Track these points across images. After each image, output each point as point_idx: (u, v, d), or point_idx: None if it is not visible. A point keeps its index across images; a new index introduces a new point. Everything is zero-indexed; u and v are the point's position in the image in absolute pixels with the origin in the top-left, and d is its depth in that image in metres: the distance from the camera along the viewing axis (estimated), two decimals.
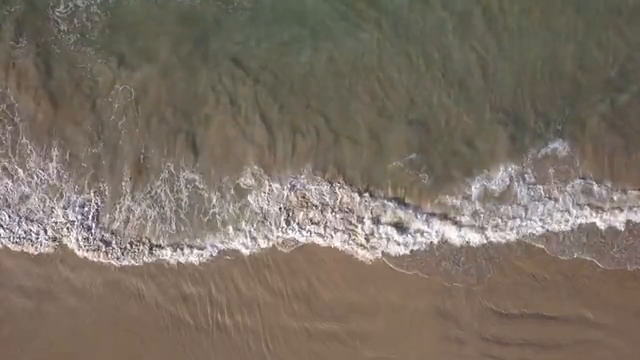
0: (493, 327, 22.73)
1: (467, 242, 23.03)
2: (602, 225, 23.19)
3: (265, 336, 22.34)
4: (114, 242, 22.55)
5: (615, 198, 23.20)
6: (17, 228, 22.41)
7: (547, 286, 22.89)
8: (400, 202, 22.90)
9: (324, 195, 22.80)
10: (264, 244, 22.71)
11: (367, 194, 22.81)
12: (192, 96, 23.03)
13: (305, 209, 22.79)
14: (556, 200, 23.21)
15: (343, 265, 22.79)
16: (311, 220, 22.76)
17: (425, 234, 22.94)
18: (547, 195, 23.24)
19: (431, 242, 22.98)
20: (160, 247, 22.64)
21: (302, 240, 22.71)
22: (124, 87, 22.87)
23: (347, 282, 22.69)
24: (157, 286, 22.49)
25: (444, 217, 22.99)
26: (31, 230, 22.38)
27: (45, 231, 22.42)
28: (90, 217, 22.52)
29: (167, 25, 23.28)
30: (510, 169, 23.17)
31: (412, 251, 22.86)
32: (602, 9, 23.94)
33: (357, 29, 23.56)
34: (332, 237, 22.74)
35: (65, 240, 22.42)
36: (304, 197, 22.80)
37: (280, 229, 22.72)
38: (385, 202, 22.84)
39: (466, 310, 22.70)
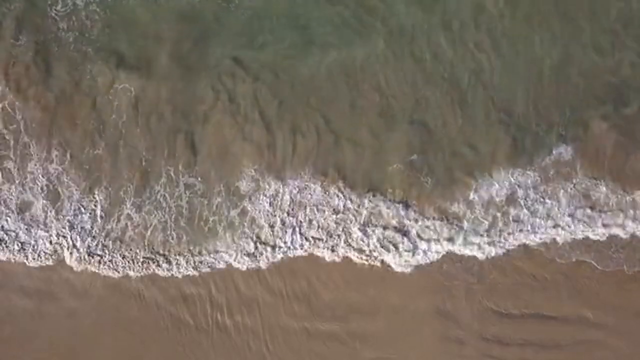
0: (493, 327, 22.75)
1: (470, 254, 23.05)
2: (602, 229, 23.21)
3: (264, 336, 22.33)
4: (113, 253, 22.44)
5: (615, 201, 23.23)
6: (16, 238, 22.39)
7: (547, 286, 22.91)
8: (402, 207, 22.84)
9: (322, 200, 22.76)
10: (263, 263, 22.68)
11: (367, 199, 22.78)
12: (192, 95, 22.89)
13: (304, 214, 22.74)
14: (559, 206, 23.17)
15: (343, 265, 22.75)
16: (310, 223, 22.73)
17: (426, 243, 22.91)
18: (550, 201, 23.19)
19: (433, 251, 23.02)
20: (163, 256, 22.58)
21: (301, 251, 22.68)
22: (123, 85, 22.72)
23: (347, 282, 22.68)
24: (157, 286, 22.46)
25: (446, 222, 22.96)
26: (30, 241, 22.38)
27: (49, 241, 22.38)
28: (89, 226, 22.44)
29: (166, 23, 23.09)
30: (513, 174, 23.08)
31: (414, 264, 22.92)
32: (604, 12, 23.92)
33: (363, 29, 23.42)
34: (331, 245, 22.73)
35: (63, 255, 22.39)
36: (302, 202, 22.77)
37: (280, 242, 22.69)
38: (386, 208, 22.79)
39: (466, 310, 22.71)
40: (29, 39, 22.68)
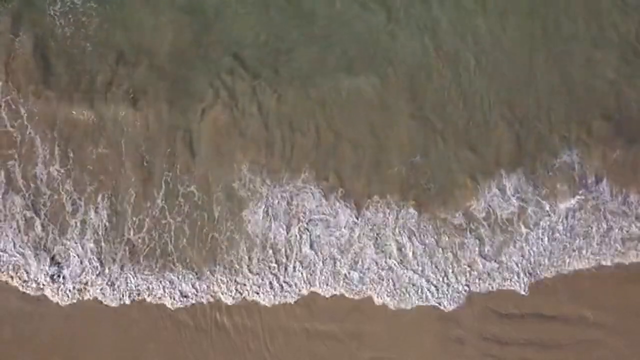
0: (493, 327, 22.73)
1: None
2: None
3: (264, 336, 22.28)
4: (111, 283, 22.27)
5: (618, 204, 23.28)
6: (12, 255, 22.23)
7: (547, 286, 22.87)
8: (405, 215, 22.75)
9: (322, 207, 22.64)
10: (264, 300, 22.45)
11: (366, 210, 22.65)
12: (191, 92, 22.71)
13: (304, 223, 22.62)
14: (566, 215, 23.18)
15: None
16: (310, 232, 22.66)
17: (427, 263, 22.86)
18: (556, 208, 23.15)
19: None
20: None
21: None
22: (122, 83, 22.53)
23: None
24: None
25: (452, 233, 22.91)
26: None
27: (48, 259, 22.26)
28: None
29: (165, 18, 22.93)
30: (517, 181, 22.97)
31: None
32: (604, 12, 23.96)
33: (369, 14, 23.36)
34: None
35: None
36: (301, 211, 22.64)
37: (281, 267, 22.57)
38: (387, 217, 22.69)
39: (466, 310, 22.68)
40: (28, 34, 22.49)
